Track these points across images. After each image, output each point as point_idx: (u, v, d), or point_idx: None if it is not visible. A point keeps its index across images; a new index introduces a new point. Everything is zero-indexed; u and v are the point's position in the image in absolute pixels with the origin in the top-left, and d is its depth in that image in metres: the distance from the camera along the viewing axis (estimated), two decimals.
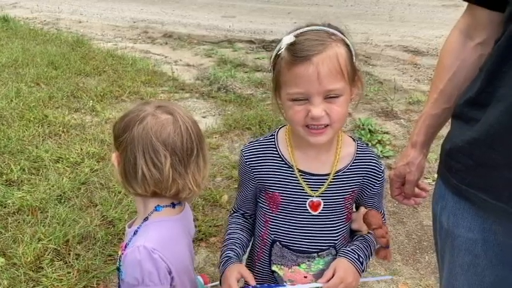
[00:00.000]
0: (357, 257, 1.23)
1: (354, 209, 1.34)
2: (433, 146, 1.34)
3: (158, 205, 1.23)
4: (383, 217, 1.35)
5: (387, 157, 3.61)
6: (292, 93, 1.08)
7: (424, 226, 2.83)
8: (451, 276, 1.18)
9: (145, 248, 1.15)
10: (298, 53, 1.05)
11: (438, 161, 1.18)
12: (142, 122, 1.16)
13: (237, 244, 1.30)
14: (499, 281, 1.11)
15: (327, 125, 1.10)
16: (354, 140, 1.27)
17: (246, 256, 1.38)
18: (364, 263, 1.25)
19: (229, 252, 1.28)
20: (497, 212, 1.03)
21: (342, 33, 1.12)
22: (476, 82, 1.05)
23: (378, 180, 1.26)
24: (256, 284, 1.25)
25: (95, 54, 6.01)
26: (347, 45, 1.11)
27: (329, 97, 1.07)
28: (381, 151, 3.65)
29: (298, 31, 1.10)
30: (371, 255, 1.30)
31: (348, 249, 1.25)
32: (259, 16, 8.81)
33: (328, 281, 1.17)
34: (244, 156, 1.27)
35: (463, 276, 1.15)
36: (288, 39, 1.08)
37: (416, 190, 1.35)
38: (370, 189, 1.26)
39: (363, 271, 1.24)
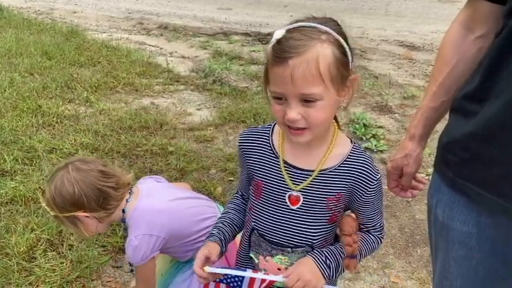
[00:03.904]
0: (323, 259, 1.20)
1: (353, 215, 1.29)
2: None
3: (126, 200, 1.61)
4: (380, 230, 1.30)
5: (381, 151, 3.63)
6: (273, 91, 1.08)
7: (416, 220, 2.85)
8: (444, 269, 1.19)
9: (136, 238, 1.56)
10: (278, 53, 1.03)
11: (432, 155, 1.18)
12: (71, 170, 1.54)
13: (225, 222, 1.33)
14: (492, 274, 1.12)
15: (306, 128, 1.08)
16: (351, 141, 1.23)
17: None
18: (333, 268, 1.20)
19: (214, 230, 1.31)
20: (492, 206, 1.03)
21: (341, 32, 1.07)
22: (476, 76, 1.05)
23: (369, 188, 1.18)
24: (236, 266, 1.32)
25: (89, 45, 5.97)
26: (340, 47, 1.05)
27: (306, 101, 1.04)
28: (375, 145, 3.66)
29: (291, 26, 1.06)
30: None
31: (319, 250, 1.23)
32: (256, 9, 8.78)
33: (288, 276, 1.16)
34: (239, 140, 1.30)
35: (456, 269, 1.16)
36: (278, 34, 1.05)
37: (413, 182, 1.34)
38: (359, 197, 1.20)
39: (329, 276, 1.20)
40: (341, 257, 1.23)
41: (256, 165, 1.24)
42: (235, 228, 1.34)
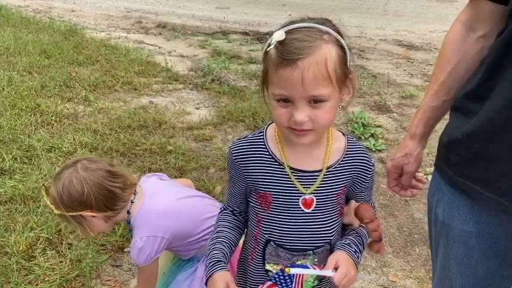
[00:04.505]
0: (354, 250, 1.21)
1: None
2: None
3: (131, 201, 1.61)
4: (374, 210, 1.34)
5: (380, 150, 3.64)
6: (277, 94, 1.05)
7: (415, 219, 2.86)
8: (444, 268, 1.20)
9: (141, 239, 1.56)
10: (284, 55, 1.01)
11: (431, 154, 1.19)
12: (80, 169, 1.52)
13: (224, 244, 1.27)
14: (491, 273, 1.13)
15: (311, 129, 1.08)
16: (343, 134, 1.25)
17: (242, 239, 1.38)
18: (359, 257, 1.23)
19: (217, 253, 1.23)
20: (493, 205, 1.04)
21: (338, 31, 1.07)
22: (477, 75, 1.05)
23: (369, 174, 1.23)
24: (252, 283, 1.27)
25: (88, 44, 5.97)
26: (341, 46, 1.05)
27: (314, 101, 1.04)
28: (374, 144, 3.67)
29: (290, 27, 1.04)
30: (363, 249, 1.29)
31: (345, 242, 1.23)
32: (254, 8, 8.79)
33: (335, 269, 1.15)
34: (232, 154, 1.23)
35: (456, 268, 1.17)
36: (278, 36, 1.03)
37: (413, 182, 1.34)
38: (361, 183, 1.24)
39: (358, 266, 1.23)
40: (361, 244, 1.26)
41: (259, 177, 1.20)
42: (233, 248, 1.30)
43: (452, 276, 1.18)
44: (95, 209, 1.52)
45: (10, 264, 2.28)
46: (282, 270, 1.17)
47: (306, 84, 1.00)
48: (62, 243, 2.45)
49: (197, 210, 1.71)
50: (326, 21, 1.08)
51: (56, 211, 1.54)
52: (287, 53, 1.01)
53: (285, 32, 1.03)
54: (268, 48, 1.05)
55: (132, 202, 1.61)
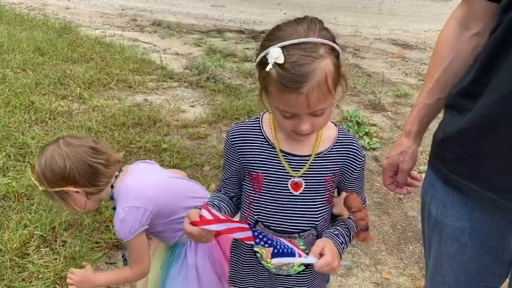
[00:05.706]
0: (341, 241, 1.26)
1: (336, 195, 1.36)
2: None
3: (115, 176, 1.59)
4: (364, 202, 1.37)
5: (374, 149, 3.65)
6: (281, 109, 1.11)
7: (408, 217, 2.88)
8: (437, 265, 1.21)
9: (123, 210, 1.52)
10: (287, 82, 1.04)
11: (424, 152, 1.19)
12: (62, 145, 1.51)
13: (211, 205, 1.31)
14: (483, 269, 1.14)
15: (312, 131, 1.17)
16: (335, 124, 1.31)
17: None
18: (344, 248, 1.27)
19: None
20: (486, 202, 1.05)
21: (330, 35, 1.09)
22: (470, 72, 1.06)
23: (359, 164, 1.28)
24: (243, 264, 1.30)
25: (82, 41, 5.94)
26: (335, 54, 1.08)
27: (316, 113, 1.11)
28: (368, 143, 3.69)
29: (285, 43, 1.05)
30: (350, 241, 1.32)
31: (334, 232, 1.27)
32: (249, 6, 8.78)
33: (320, 256, 1.17)
34: (229, 137, 1.30)
35: (449, 265, 1.18)
36: (275, 55, 1.04)
37: (409, 180, 1.35)
38: (351, 173, 1.28)
39: (341, 255, 1.27)
40: (348, 236, 1.29)
41: (253, 159, 1.26)
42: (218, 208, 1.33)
43: (444, 272, 1.20)
44: (78, 184, 1.51)
45: (3, 262, 2.27)
46: (262, 233, 1.17)
47: (310, 105, 1.07)
48: (56, 241, 2.45)
49: (183, 187, 1.69)
50: (313, 24, 1.09)
51: (40, 187, 1.54)
52: (290, 81, 1.04)
53: (281, 49, 1.05)
54: (268, 68, 1.06)
55: (116, 178, 1.60)
